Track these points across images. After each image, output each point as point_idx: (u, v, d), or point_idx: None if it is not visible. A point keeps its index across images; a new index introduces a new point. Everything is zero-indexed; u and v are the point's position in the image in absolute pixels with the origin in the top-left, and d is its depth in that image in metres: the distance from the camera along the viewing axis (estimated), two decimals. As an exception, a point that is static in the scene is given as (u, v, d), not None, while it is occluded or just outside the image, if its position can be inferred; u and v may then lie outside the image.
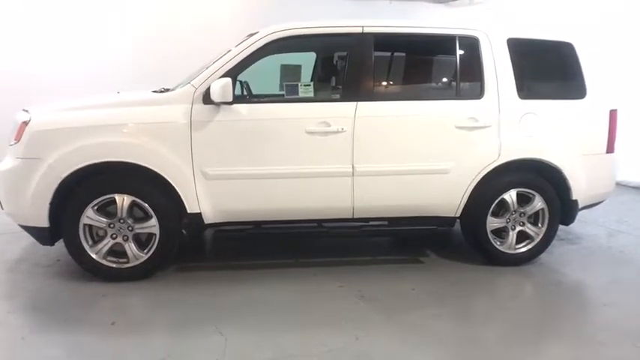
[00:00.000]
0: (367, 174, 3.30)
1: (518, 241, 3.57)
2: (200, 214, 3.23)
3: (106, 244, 3.20)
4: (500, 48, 3.44)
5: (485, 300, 3.24)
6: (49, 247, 3.38)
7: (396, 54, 3.42)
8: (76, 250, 3.19)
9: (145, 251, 3.24)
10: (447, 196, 3.44)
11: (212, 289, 3.19)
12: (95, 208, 3.15)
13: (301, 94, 3.30)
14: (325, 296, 3.11)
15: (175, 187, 3.16)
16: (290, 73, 4.17)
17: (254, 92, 3.95)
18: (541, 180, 3.52)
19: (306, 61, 4.25)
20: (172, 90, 3.37)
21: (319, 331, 2.67)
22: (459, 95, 3.44)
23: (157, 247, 3.22)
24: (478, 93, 3.41)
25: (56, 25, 6.80)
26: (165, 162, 3.14)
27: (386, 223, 3.53)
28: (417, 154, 3.36)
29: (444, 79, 3.50)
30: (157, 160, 3.12)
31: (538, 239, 3.58)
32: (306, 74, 4.33)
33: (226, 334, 2.63)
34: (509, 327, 2.82)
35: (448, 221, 3.53)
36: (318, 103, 3.33)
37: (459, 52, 3.44)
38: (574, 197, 3.55)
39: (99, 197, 3.13)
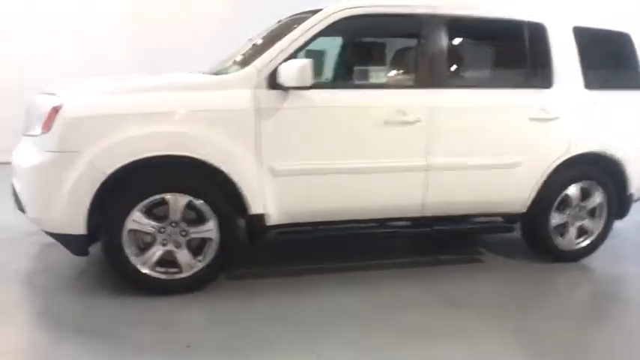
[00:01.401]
0: (441, 168, 3.06)
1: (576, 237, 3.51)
2: (263, 215, 2.84)
3: (156, 252, 2.74)
4: (567, 36, 3.32)
5: (568, 298, 3.16)
6: (63, 254, 2.86)
7: (467, 39, 3.19)
8: (118, 261, 2.70)
9: (200, 259, 2.81)
10: (518, 191, 3.28)
11: (276, 298, 2.82)
12: (143, 210, 2.67)
13: (373, 80, 2.98)
14: (412, 303, 2.84)
15: (238, 184, 2.74)
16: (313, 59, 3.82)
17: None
18: (601, 173, 3.46)
19: (330, 47, 3.92)
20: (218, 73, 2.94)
21: (435, 347, 2.41)
22: (529, 85, 3.28)
23: (214, 255, 2.80)
24: (547, 82, 3.27)
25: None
26: (228, 156, 2.71)
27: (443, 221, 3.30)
28: (491, 146, 3.16)
29: (515, 67, 3.32)
30: (218, 153, 2.69)
31: (596, 234, 3.53)
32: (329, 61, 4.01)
33: (322, 354, 2.31)
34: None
35: (514, 218, 3.38)
36: (392, 90, 3.03)
37: (528, 39, 3.27)
38: (631, 191, 3.53)
39: (149, 197, 2.66)
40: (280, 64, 2.75)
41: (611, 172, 3.47)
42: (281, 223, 2.92)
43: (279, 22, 3.61)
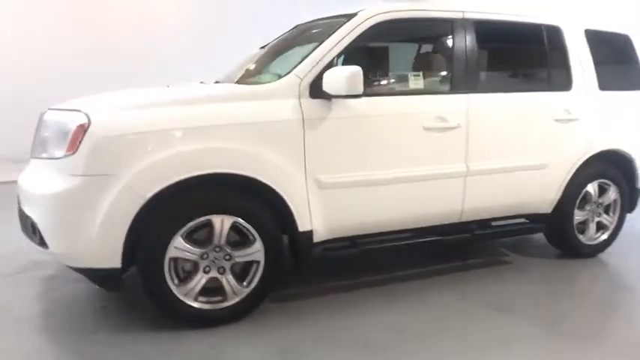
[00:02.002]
0: (479, 173, 3.02)
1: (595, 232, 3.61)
2: (311, 231, 2.66)
3: (199, 280, 2.48)
4: (581, 39, 3.41)
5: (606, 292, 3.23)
6: (74, 289, 2.54)
7: (495, 42, 3.18)
8: (160, 294, 2.41)
9: (245, 284, 2.58)
10: (546, 191, 3.31)
11: (321, 319, 2.64)
12: (184, 235, 2.41)
13: (412, 86, 2.89)
14: (457, 312, 2.77)
15: (287, 200, 2.54)
16: (272, 64, 3.67)
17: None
18: (615, 170, 3.58)
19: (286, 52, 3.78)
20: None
21: (500, 356, 2.35)
22: (552, 87, 3.33)
23: (260, 278, 2.58)
24: (567, 85, 3.34)
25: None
26: (276, 171, 2.51)
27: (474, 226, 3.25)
28: (522, 149, 3.18)
29: (539, 70, 3.36)
30: (266, 169, 2.49)
31: (612, 228, 3.65)
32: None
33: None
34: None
35: (540, 218, 3.41)
36: (430, 96, 2.95)
37: (548, 42, 3.33)
38: (639, 185, 3.69)
39: (192, 221, 2.40)
40: (322, 71, 2.59)
41: (623, 169, 3.60)
42: (326, 238, 2.75)
43: (295, 27, 3.45)
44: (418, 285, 3.12)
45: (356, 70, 2.45)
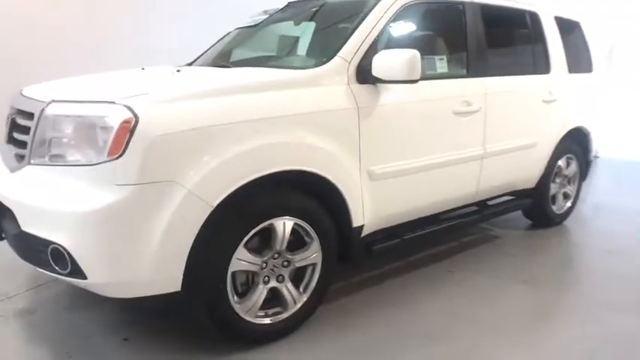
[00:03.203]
0: (492, 154, 3.11)
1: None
2: (362, 226, 2.50)
3: (262, 293, 2.18)
4: (553, 25, 3.66)
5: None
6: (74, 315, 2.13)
7: (494, 27, 3.22)
8: (221, 315, 2.07)
9: (301, 290, 2.34)
10: (534, 168, 3.55)
11: (375, 316, 2.53)
12: (246, 244, 2.08)
13: (439, 70, 2.83)
14: (496, 293, 2.84)
15: (345, 196, 2.34)
16: (287, 44, 3.48)
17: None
18: (577, 145, 3.96)
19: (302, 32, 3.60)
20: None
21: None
22: (538, 70, 3.52)
23: (318, 281, 2.36)
24: (547, 68, 3.57)
25: None
26: (335, 165, 2.29)
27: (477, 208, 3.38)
28: (522, 129, 3.35)
29: (528, 54, 3.51)
30: (327, 163, 2.25)
31: (573, 197, 4.06)
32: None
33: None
34: None
35: (525, 193, 3.64)
36: (455, 80, 2.92)
37: (531, 27, 3.51)
38: (591, 157, 4.14)
39: (255, 227, 2.08)
40: (366, 55, 2.41)
41: (582, 144, 4.01)
42: (371, 231, 2.61)
43: (288, 4, 3.16)
44: (438, 268, 3.15)
45: (414, 54, 2.31)
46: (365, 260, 3.09)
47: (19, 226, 1.94)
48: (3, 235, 2.20)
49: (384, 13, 2.57)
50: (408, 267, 3.14)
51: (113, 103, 1.84)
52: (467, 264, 3.22)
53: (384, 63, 2.35)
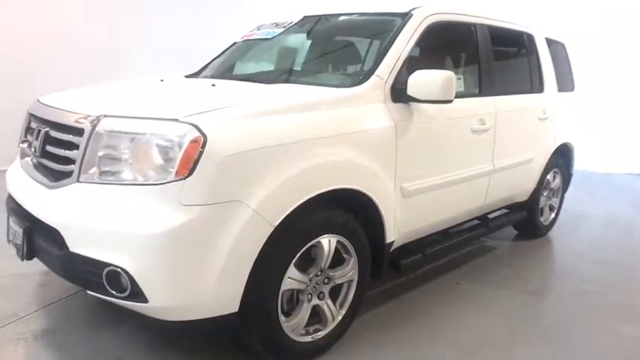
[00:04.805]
0: (499, 170, 3.27)
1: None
2: (393, 242, 2.56)
3: (306, 311, 2.18)
4: (544, 45, 3.89)
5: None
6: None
7: (499, 47, 3.38)
8: (270, 335, 2.05)
9: (338, 306, 2.36)
10: (529, 182, 3.75)
11: (403, 331, 2.58)
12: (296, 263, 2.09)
13: (458, 89, 2.93)
14: (507, 304, 2.98)
15: (382, 212, 2.39)
16: (287, 57, 3.52)
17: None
18: (561, 160, 4.22)
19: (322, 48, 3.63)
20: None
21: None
22: (534, 89, 3.73)
23: (354, 297, 2.39)
24: (541, 87, 3.79)
25: None
26: (376, 183, 2.34)
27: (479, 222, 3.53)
28: (522, 146, 3.53)
29: (524, 74, 3.69)
30: (370, 181, 2.30)
31: (557, 208, 4.31)
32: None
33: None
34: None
35: (519, 207, 3.83)
36: (471, 99, 3.03)
37: (528, 47, 3.71)
38: (572, 171, 4.43)
39: (305, 246, 2.09)
40: (398, 74, 2.48)
41: (565, 158, 4.27)
42: (397, 246, 2.68)
43: (303, 18, 3.16)
44: (446, 280, 3.25)
45: (450, 75, 2.40)
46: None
47: (66, 247, 1.84)
48: (30, 254, 2.08)
49: (414, 32, 2.65)
50: (417, 280, 3.22)
51: (177, 120, 1.79)
52: (472, 275, 3.35)
53: (419, 83, 2.42)
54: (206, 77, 3.12)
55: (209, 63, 3.48)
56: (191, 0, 6.97)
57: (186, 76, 3.31)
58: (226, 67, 3.26)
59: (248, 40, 3.37)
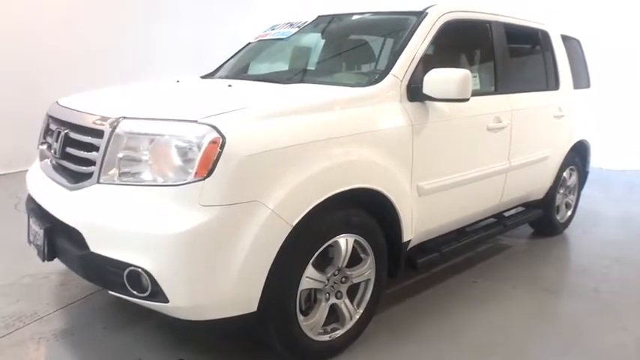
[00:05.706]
0: (514, 168, 3.24)
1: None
2: (409, 241, 2.55)
3: (324, 310, 2.19)
4: (560, 42, 3.85)
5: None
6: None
7: (514, 45, 3.35)
8: (289, 335, 2.06)
9: (356, 305, 2.36)
10: (545, 180, 3.71)
11: (422, 333, 2.55)
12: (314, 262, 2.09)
13: (473, 87, 2.91)
14: (526, 302, 2.96)
15: (399, 212, 2.38)
16: (302, 56, 3.52)
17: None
18: (578, 158, 4.17)
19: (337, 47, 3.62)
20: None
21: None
22: (549, 87, 3.69)
23: (371, 296, 2.39)
24: (557, 85, 3.75)
25: None
26: (393, 182, 2.33)
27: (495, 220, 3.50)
28: (538, 144, 3.49)
29: (540, 71, 3.66)
30: (388, 180, 2.30)
31: (573, 206, 4.27)
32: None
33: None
34: None
35: (535, 204, 3.79)
36: (486, 97, 3.01)
37: (543, 45, 3.67)
38: (588, 168, 4.38)
39: (323, 245, 2.09)
40: (414, 73, 2.46)
41: (582, 155, 4.23)
42: (411, 246, 2.67)
43: (317, 17, 3.16)
44: (461, 279, 3.24)
45: (466, 73, 2.38)
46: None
47: (86, 247, 1.86)
48: (51, 255, 2.11)
49: (429, 30, 2.64)
50: (433, 278, 3.21)
51: (196, 122, 1.80)
52: (487, 273, 3.33)
53: (436, 82, 2.41)
54: (221, 78, 3.14)
55: (224, 63, 3.50)
56: (202, 1, 7.02)
57: (202, 77, 3.33)
58: (241, 67, 3.27)
59: (262, 40, 3.38)
